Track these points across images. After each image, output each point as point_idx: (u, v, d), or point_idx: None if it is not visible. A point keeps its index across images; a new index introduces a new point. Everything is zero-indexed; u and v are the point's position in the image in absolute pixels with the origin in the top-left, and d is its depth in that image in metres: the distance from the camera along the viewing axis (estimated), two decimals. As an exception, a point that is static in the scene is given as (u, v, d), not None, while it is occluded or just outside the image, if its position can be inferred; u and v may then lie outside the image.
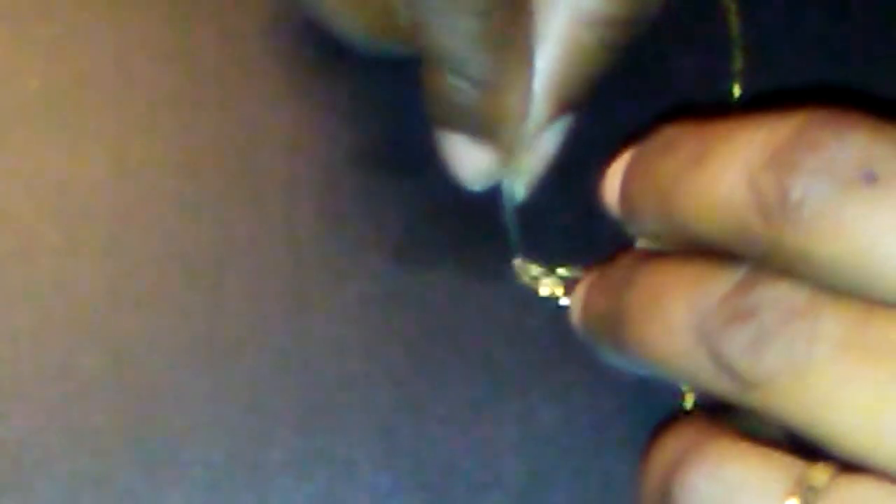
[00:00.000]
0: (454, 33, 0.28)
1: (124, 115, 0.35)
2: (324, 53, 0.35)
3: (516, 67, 0.30)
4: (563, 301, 0.33)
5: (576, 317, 0.31)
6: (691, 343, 0.25)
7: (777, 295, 0.24)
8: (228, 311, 0.33)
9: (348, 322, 0.33)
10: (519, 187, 0.32)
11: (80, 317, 0.33)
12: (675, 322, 0.25)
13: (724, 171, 0.25)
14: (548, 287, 0.33)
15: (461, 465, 0.32)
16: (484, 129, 0.30)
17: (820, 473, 0.23)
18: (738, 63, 0.34)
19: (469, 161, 0.31)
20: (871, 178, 0.23)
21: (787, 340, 0.24)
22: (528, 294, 0.33)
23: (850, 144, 0.23)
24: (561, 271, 0.33)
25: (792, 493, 0.23)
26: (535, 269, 0.33)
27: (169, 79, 0.35)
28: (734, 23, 0.35)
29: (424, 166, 0.34)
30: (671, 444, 0.26)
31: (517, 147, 0.31)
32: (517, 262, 0.33)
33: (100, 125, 0.35)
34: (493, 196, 0.33)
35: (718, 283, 0.25)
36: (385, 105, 0.35)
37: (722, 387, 0.25)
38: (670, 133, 0.28)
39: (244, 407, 0.33)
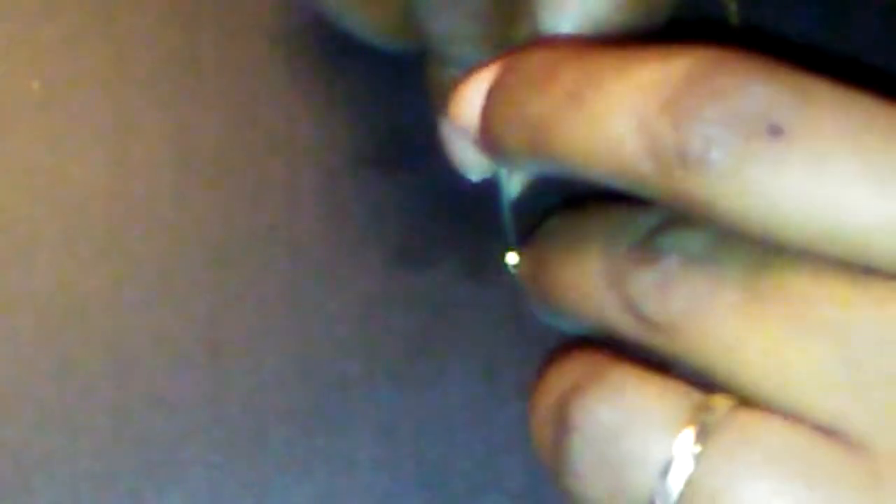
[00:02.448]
0: (453, 35, 0.28)
1: (124, 115, 0.35)
2: (324, 53, 0.35)
3: None
4: None
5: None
6: (602, 287, 0.25)
7: (681, 240, 0.24)
8: (228, 311, 0.33)
9: (348, 322, 0.33)
10: (515, 183, 0.32)
11: (80, 317, 0.33)
12: (588, 267, 0.26)
13: (609, 112, 0.24)
14: None
15: (461, 465, 0.32)
16: None
17: (720, 403, 0.24)
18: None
19: (468, 150, 0.31)
20: (775, 131, 0.22)
21: (691, 284, 0.24)
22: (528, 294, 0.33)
23: (752, 93, 0.22)
24: None
25: (690, 421, 0.23)
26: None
27: (169, 79, 0.35)
28: (734, 22, 0.35)
29: (424, 166, 0.34)
30: (568, 369, 0.26)
31: None
32: (511, 256, 0.33)
33: (100, 125, 0.35)
34: (492, 196, 0.33)
35: (630, 230, 0.25)
36: (385, 105, 0.35)
37: (630, 330, 0.25)
38: (539, 60, 0.26)
39: (244, 407, 0.33)
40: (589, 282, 0.26)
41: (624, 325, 0.25)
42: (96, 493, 0.32)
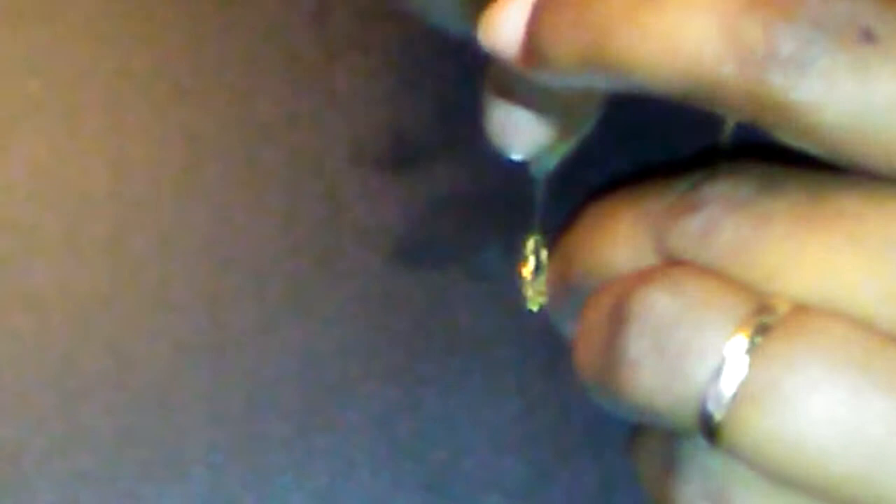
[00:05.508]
0: None
1: (124, 115, 0.35)
2: (324, 53, 0.36)
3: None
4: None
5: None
6: (639, 247, 0.24)
7: (725, 188, 0.23)
8: (228, 311, 0.33)
9: (348, 322, 0.33)
10: (553, 159, 0.31)
11: (80, 317, 0.33)
12: (624, 229, 0.25)
13: (688, 12, 0.22)
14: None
15: (461, 465, 0.32)
16: (549, 104, 0.29)
17: (781, 302, 0.23)
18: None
19: (523, 133, 0.30)
20: (869, 37, 0.21)
21: (736, 224, 0.23)
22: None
23: None
24: None
25: (752, 316, 0.23)
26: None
27: (169, 78, 0.36)
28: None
29: (425, 165, 0.34)
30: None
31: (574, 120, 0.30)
32: (533, 240, 0.32)
33: (100, 125, 0.35)
34: (492, 196, 0.33)
35: (670, 188, 0.24)
36: (385, 105, 0.35)
37: None
38: None
39: (244, 407, 0.33)
40: (624, 245, 0.25)
41: None
42: (96, 493, 0.32)
